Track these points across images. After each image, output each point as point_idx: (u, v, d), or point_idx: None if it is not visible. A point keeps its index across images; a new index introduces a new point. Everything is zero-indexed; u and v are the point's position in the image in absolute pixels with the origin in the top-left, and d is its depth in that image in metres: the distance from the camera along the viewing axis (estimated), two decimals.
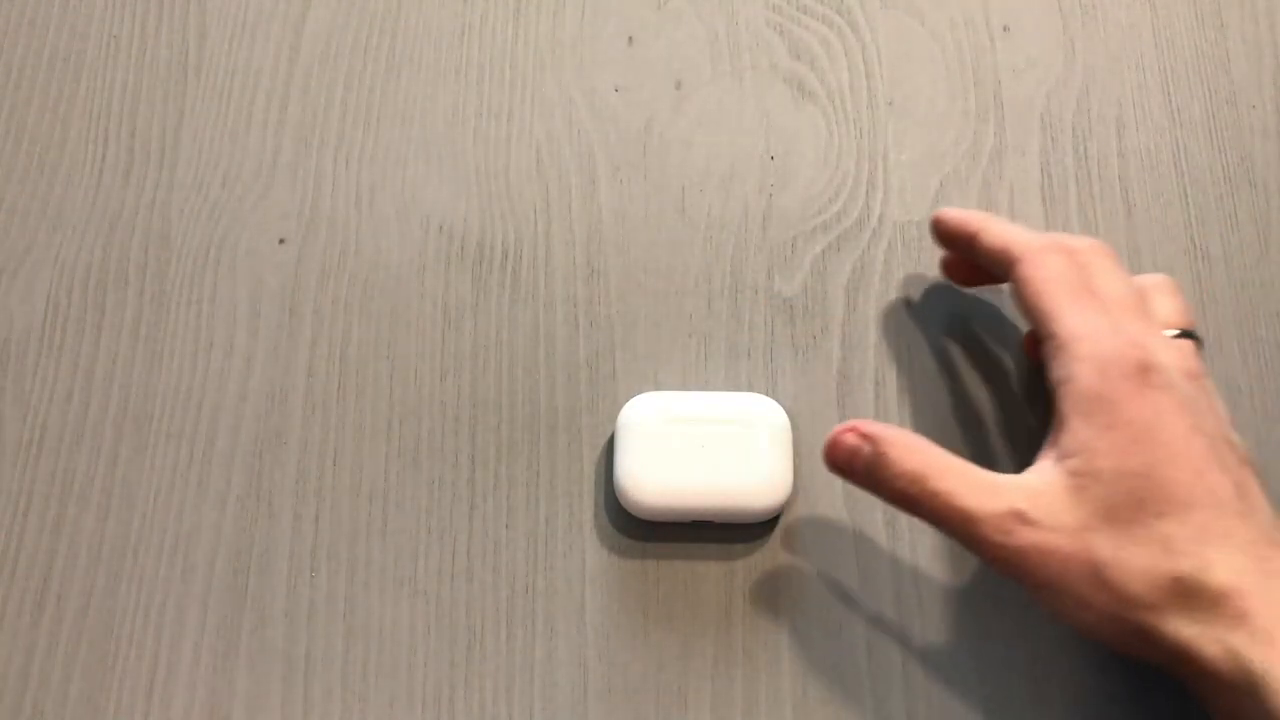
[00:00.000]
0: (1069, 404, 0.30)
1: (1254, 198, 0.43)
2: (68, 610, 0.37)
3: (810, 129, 0.44)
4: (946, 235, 0.38)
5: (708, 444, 0.36)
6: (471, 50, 0.45)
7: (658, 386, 0.40)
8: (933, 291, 0.41)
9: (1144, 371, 0.29)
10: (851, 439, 0.32)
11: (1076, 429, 0.29)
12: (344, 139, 0.44)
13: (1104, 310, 0.31)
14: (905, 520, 0.38)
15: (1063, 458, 0.30)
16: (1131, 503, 0.28)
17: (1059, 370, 0.31)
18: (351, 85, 0.45)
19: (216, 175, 0.43)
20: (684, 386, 0.40)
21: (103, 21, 0.46)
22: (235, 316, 0.41)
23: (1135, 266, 0.42)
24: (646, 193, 0.43)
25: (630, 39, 0.46)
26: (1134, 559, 0.28)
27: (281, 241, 0.42)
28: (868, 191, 0.43)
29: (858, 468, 0.32)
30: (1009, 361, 0.40)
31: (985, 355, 0.40)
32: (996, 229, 0.36)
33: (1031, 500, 0.29)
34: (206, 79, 0.45)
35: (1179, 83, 0.45)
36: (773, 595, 0.37)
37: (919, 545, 0.37)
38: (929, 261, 0.42)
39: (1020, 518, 0.29)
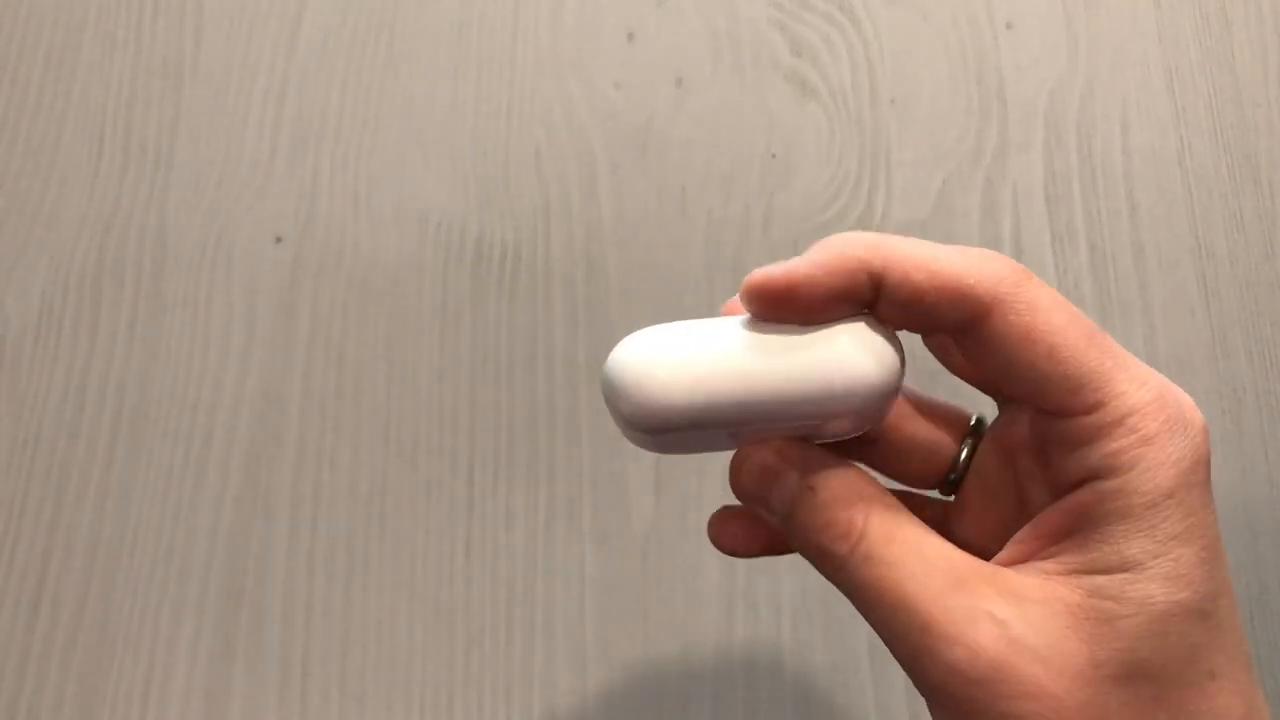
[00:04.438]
0: (1120, 502, 0.20)
1: (1259, 196, 0.42)
2: (63, 612, 0.37)
3: (812, 127, 0.44)
4: (809, 300, 0.22)
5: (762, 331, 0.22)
6: (470, 47, 0.45)
7: None
8: None
9: (1208, 461, 0.21)
10: (772, 459, 0.22)
11: (1123, 538, 0.20)
12: (341, 137, 0.44)
13: (1135, 365, 0.21)
14: None
15: (1084, 571, 0.20)
16: (1182, 655, 0.19)
17: (1106, 456, 0.20)
18: (349, 83, 0.44)
19: (213, 174, 0.43)
20: None
21: (99, 19, 0.46)
22: (231, 316, 0.41)
23: (1141, 266, 0.41)
24: (646, 191, 0.43)
25: (630, 35, 0.45)
26: None
27: (278, 240, 0.42)
28: (870, 190, 0.43)
29: (774, 501, 0.23)
30: None
31: None
32: (918, 258, 0.21)
33: (1019, 610, 0.20)
34: (203, 77, 0.45)
35: (1183, 80, 0.44)
36: (774, 597, 0.37)
37: None
38: None
39: (996, 625, 0.19)
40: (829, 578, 0.22)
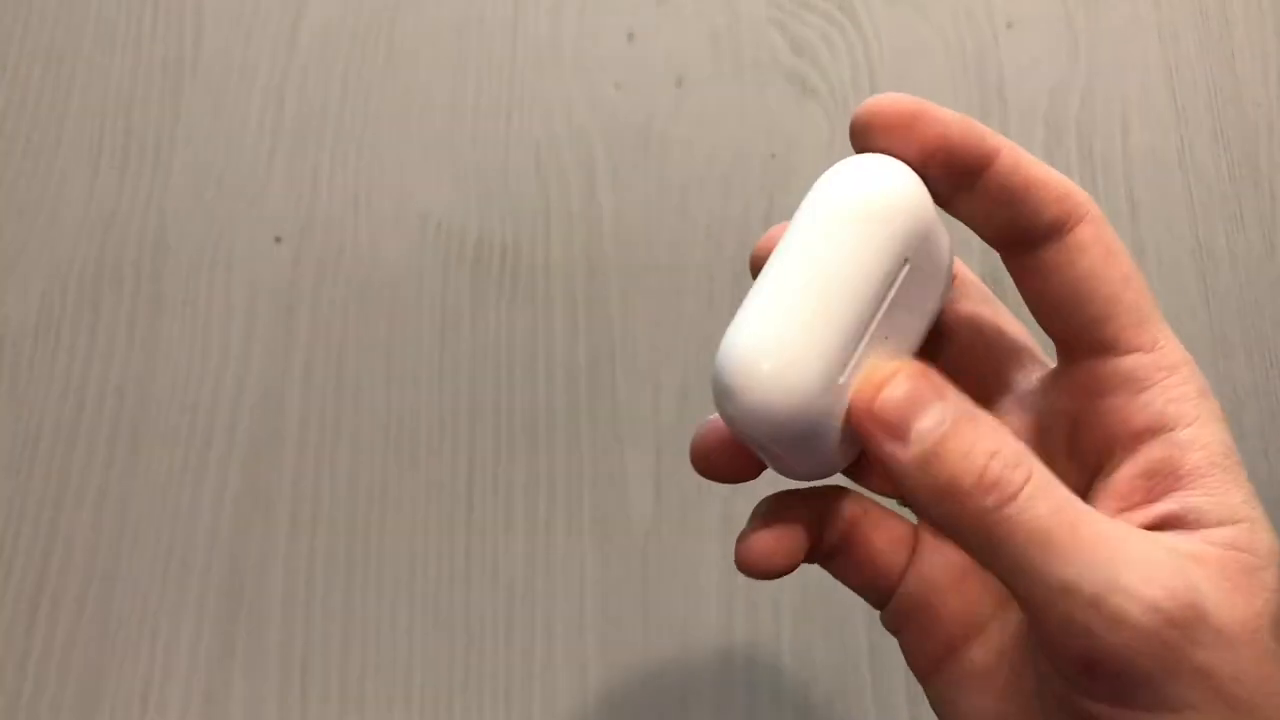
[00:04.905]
0: (1204, 451, 0.20)
1: (1259, 196, 0.42)
2: (62, 614, 0.37)
3: (812, 126, 0.44)
4: (923, 136, 0.22)
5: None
6: (470, 47, 0.45)
7: (658, 387, 0.39)
8: None
9: None
10: (923, 383, 0.20)
11: (1222, 488, 0.19)
12: (341, 137, 0.44)
13: None
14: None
15: (1204, 525, 0.19)
16: None
17: (1172, 403, 0.20)
18: (348, 83, 0.44)
19: (212, 174, 0.43)
20: (685, 388, 0.39)
21: (99, 19, 0.46)
22: (231, 316, 0.41)
23: (1141, 266, 0.41)
24: (646, 191, 0.43)
25: (630, 35, 0.45)
26: None
27: (278, 240, 0.42)
28: None
29: (918, 427, 0.19)
30: None
31: None
32: (1028, 156, 0.21)
33: (1203, 571, 0.18)
34: (202, 77, 0.45)
35: (1183, 80, 0.44)
36: (774, 597, 0.37)
37: None
38: None
39: (1179, 569, 0.18)
40: (976, 516, 0.18)
